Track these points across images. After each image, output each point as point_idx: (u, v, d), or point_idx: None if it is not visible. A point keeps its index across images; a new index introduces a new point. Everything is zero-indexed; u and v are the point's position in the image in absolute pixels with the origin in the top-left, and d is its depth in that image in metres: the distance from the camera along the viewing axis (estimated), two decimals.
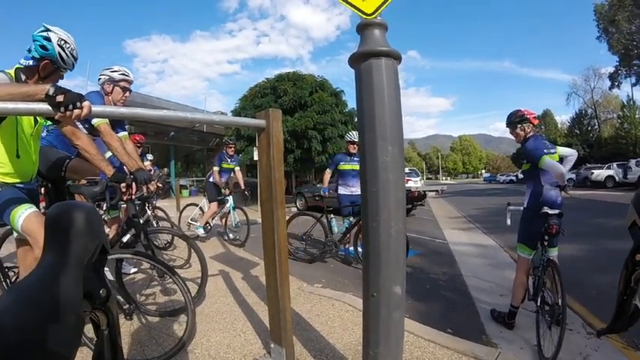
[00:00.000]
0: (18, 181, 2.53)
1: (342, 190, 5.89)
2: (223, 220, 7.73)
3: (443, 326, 3.26)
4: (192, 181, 22.89)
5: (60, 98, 1.73)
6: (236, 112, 18.19)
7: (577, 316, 3.51)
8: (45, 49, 2.34)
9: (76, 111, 1.75)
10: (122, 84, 3.52)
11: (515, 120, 3.34)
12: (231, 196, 7.40)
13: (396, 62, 1.65)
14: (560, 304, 2.69)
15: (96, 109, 1.83)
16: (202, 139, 23.46)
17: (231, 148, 7.56)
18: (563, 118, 69.59)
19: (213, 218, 7.53)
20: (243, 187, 7.74)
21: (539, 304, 2.96)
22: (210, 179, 7.48)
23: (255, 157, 12.69)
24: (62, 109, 1.73)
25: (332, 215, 5.94)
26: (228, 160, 7.49)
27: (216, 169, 7.33)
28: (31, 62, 2.39)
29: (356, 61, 1.66)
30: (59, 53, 2.35)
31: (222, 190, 7.37)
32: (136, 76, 3.68)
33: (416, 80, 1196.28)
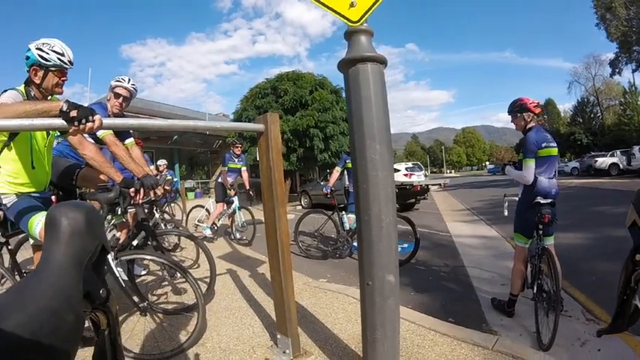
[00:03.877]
0: (33, 190, 2.69)
1: (352, 188, 5.95)
2: (230, 220, 7.87)
3: (445, 316, 3.36)
4: (197, 183, 23.02)
5: (73, 113, 1.88)
6: (237, 114, 18.28)
7: (577, 303, 3.59)
8: (27, 58, 2.50)
9: (89, 124, 1.89)
10: (115, 90, 3.64)
11: (515, 109, 3.37)
12: (236, 197, 7.54)
13: (382, 66, 1.77)
14: (553, 291, 2.78)
15: (106, 121, 1.97)
16: (205, 141, 23.54)
17: (237, 147, 7.71)
18: (565, 106, 69.14)
19: (219, 219, 7.68)
20: (247, 188, 7.86)
21: (536, 291, 3.04)
22: (219, 180, 7.63)
23: (258, 157, 12.80)
24: (76, 123, 1.88)
25: (343, 212, 6.01)
26: (235, 159, 7.63)
27: (224, 169, 7.48)
28: (26, 77, 2.57)
29: (344, 66, 1.79)
30: (39, 55, 2.47)
31: (228, 191, 7.51)
32: (134, 81, 3.77)
33: (415, 74, 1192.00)
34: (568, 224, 7.10)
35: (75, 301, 0.53)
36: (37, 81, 2.54)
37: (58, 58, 2.53)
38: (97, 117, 1.92)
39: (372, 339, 1.88)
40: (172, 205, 9.80)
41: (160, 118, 17.29)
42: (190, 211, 8.91)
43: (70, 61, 2.61)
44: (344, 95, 17.93)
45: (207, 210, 8.41)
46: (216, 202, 7.73)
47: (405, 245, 5.36)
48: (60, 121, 1.88)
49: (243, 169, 7.85)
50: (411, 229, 5.20)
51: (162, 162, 9.53)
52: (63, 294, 0.51)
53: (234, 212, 7.64)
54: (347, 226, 5.90)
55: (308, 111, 16.01)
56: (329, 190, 6.03)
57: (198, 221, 8.27)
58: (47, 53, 2.49)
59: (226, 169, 7.49)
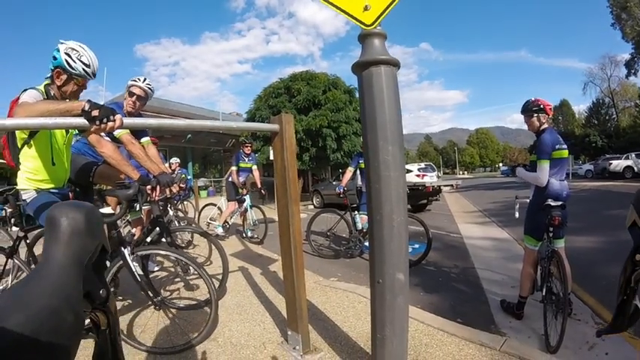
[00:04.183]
0: (52, 186, 2.77)
1: (365, 188, 5.94)
2: (242, 219, 7.94)
3: (453, 316, 3.38)
4: (209, 182, 23.19)
5: (95, 113, 1.94)
6: (251, 113, 18.38)
7: (586, 306, 3.58)
8: (55, 58, 2.55)
9: (110, 123, 1.96)
10: (130, 89, 3.69)
11: (532, 108, 3.33)
12: (248, 195, 7.61)
13: (395, 69, 1.81)
14: (562, 294, 2.78)
15: (127, 121, 2.03)
16: (219, 140, 23.70)
17: (247, 147, 7.78)
18: (580, 107, 68.15)
19: (231, 217, 7.76)
20: (259, 187, 7.93)
21: (545, 293, 3.04)
22: (230, 179, 7.69)
23: (272, 157, 12.86)
24: (97, 122, 1.94)
25: (356, 212, 6.01)
26: (246, 159, 7.70)
27: (234, 168, 7.55)
28: (49, 75, 2.62)
29: (358, 69, 1.83)
30: (66, 60, 2.52)
31: (240, 190, 7.58)
32: (150, 81, 3.79)
33: (429, 73, 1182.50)
34: (580, 227, 7.05)
35: (75, 300, 0.53)
36: (59, 83, 2.59)
37: (84, 69, 2.59)
38: (117, 116, 1.98)
39: (381, 336, 1.92)
40: (185, 203, 9.92)
41: (177, 117, 17.48)
42: (202, 209, 8.99)
43: (94, 73, 2.66)
44: (357, 95, 18.06)
45: (219, 208, 8.50)
46: (228, 201, 7.81)
47: (416, 246, 5.38)
48: (82, 121, 1.95)
49: (255, 167, 7.93)
50: (424, 230, 5.21)
51: (175, 160, 9.66)
52: (63, 293, 0.51)
53: (245, 211, 7.71)
54: (359, 225, 5.90)
55: (321, 111, 16.05)
56: (342, 190, 6.02)
57: (211, 219, 8.34)
58: (74, 61, 2.54)
59: (236, 168, 7.56)
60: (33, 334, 0.42)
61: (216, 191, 21.96)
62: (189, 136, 20.43)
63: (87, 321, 0.60)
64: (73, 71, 2.56)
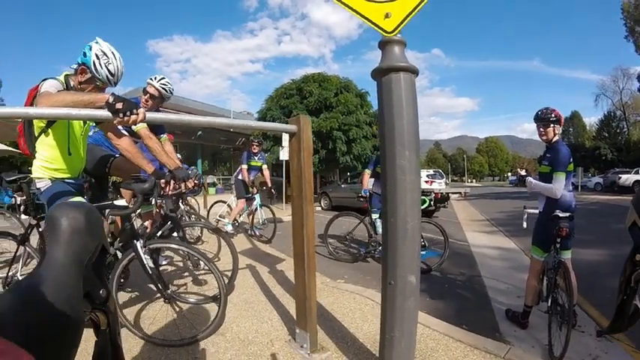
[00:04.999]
0: (68, 176, 2.82)
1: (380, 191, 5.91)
2: (250, 218, 7.97)
3: (459, 323, 3.39)
4: (218, 179, 23.29)
5: (119, 105, 1.99)
6: (262, 113, 18.49)
7: (590, 318, 3.58)
8: (84, 55, 2.59)
9: (133, 117, 2.01)
10: (146, 87, 3.78)
11: (549, 118, 3.28)
12: (258, 194, 7.65)
13: (414, 76, 1.85)
14: (568, 305, 2.78)
15: (149, 115, 2.08)
16: (229, 138, 23.82)
17: (254, 146, 7.80)
18: (591, 120, 67.57)
19: (240, 215, 7.81)
20: (270, 186, 7.97)
21: (550, 304, 3.04)
22: (239, 177, 7.72)
23: (281, 157, 12.88)
24: (120, 115, 1.99)
25: (376, 216, 5.98)
26: (255, 157, 7.76)
27: (244, 166, 7.60)
28: (75, 66, 2.67)
29: (377, 74, 1.88)
30: (93, 62, 2.57)
31: (250, 189, 7.62)
32: (169, 82, 3.87)
33: (440, 80, 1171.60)
34: (587, 240, 7.01)
35: (75, 300, 0.54)
36: (81, 79, 2.64)
37: (107, 77, 2.63)
38: (140, 110, 2.03)
39: (390, 337, 1.95)
40: (192, 198, 9.96)
41: (192, 114, 17.56)
42: (212, 206, 9.04)
43: (116, 83, 2.71)
44: (369, 99, 18.07)
45: (229, 206, 8.53)
46: (237, 199, 7.83)
47: (423, 252, 5.40)
48: (105, 113, 2.00)
49: (264, 167, 7.98)
50: (443, 238, 5.28)
51: (177, 156, 9.62)
52: (63, 293, 0.51)
53: (255, 209, 7.75)
54: (379, 229, 5.88)
55: (332, 113, 16.11)
56: (366, 194, 6.00)
57: (220, 216, 8.39)
58: (101, 67, 2.59)
59: (246, 166, 7.61)
60: (33, 334, 0.42)
61: (225, 189, 22.05)
62: (200, 132, 20.54)
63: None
64: (97, 75, 2.60)
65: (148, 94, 3.76)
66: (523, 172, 3.65)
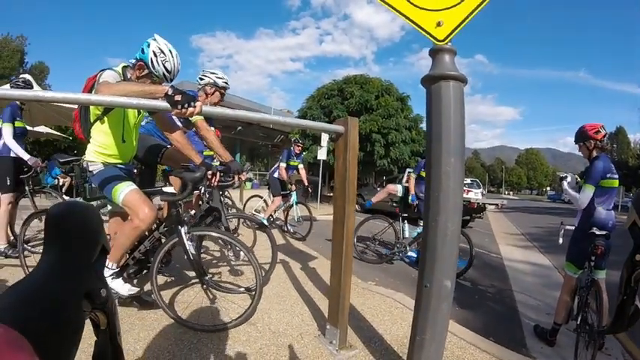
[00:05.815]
0: (120, 162, 2.98)
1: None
2: (285, 214, 8.10)
3: (486, 334, 3.36)
4: (254, 175, 23.59)
5: (178, 98, 2.10)
6: (302, 111, 18.64)
7: (617, 341, 3.46)
8: (142, 52, 2.71)
9: (190, 109, 2.11)
10: (223, 90, 3.90)
11: (577, 139, 3.36)
12: (296, 192, 7.77)
13: (463, 84, 1.88)
14: (597, 326, 2.74)
15: (205, 108, 2.18)
16: (268, 135, 24.08)
17: (299, 147, 7.94)
18: (637, 136, 64.86)
19: (275, 212, 7.94)
20: (306, 184, 8.09)
21: (579, 323, 2.99)
22: (275, 174, 7.83)
23: (319, 156, 12.96)
24: (179, 106, 2.10)
25: (406, 221, 6.03)
26: (295, 157, 7.88)
27: (283, 165, 7.72)
28: (133, 61, 2.80)
29: (427, 81, 1.92)
30: (151, 59, 2.68)
31: (288, 186, 7.76)
32: (201, 71, 4.01)
33: (482, 87, 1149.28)
34: (623, 261, 6.78)
35: (75, 300, 0.54)
36: (138, 74, 2.76)
37: (164, 74, 2.74)
38: (198, 103, 2.13)
39: (421, 339, 1.99)
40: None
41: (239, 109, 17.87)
42: (248, 200, 9.20)
43: (172, 79, 2.80)
44: (409, 103, 17.96)
45: (265, 201, 8.66)
46: (273, 196, 7.92)
47: None
48: (164, 104, 2.12)
49: (301, 166, 8.10)
50: (468, 247, 5.21)
51: None
52: (63, 293, 0.52)
53: (290, 206, 7.88)
54: (407, 233, 5.94)
55: (372, 116, 16.10)
56: (415, 202, 5.97)
57: (255, 211, 8.53)
58: (158, 64, 2.70)
59: (285, 165, 7.73)
60: (34, 332, 0.42)
61: (261, 184, 22.32)
62: (240, 127, 20.85)
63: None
64: (154, 72, 2.71)
65: (215, 89, 3.88)
66: (563, 174, 3.60)
